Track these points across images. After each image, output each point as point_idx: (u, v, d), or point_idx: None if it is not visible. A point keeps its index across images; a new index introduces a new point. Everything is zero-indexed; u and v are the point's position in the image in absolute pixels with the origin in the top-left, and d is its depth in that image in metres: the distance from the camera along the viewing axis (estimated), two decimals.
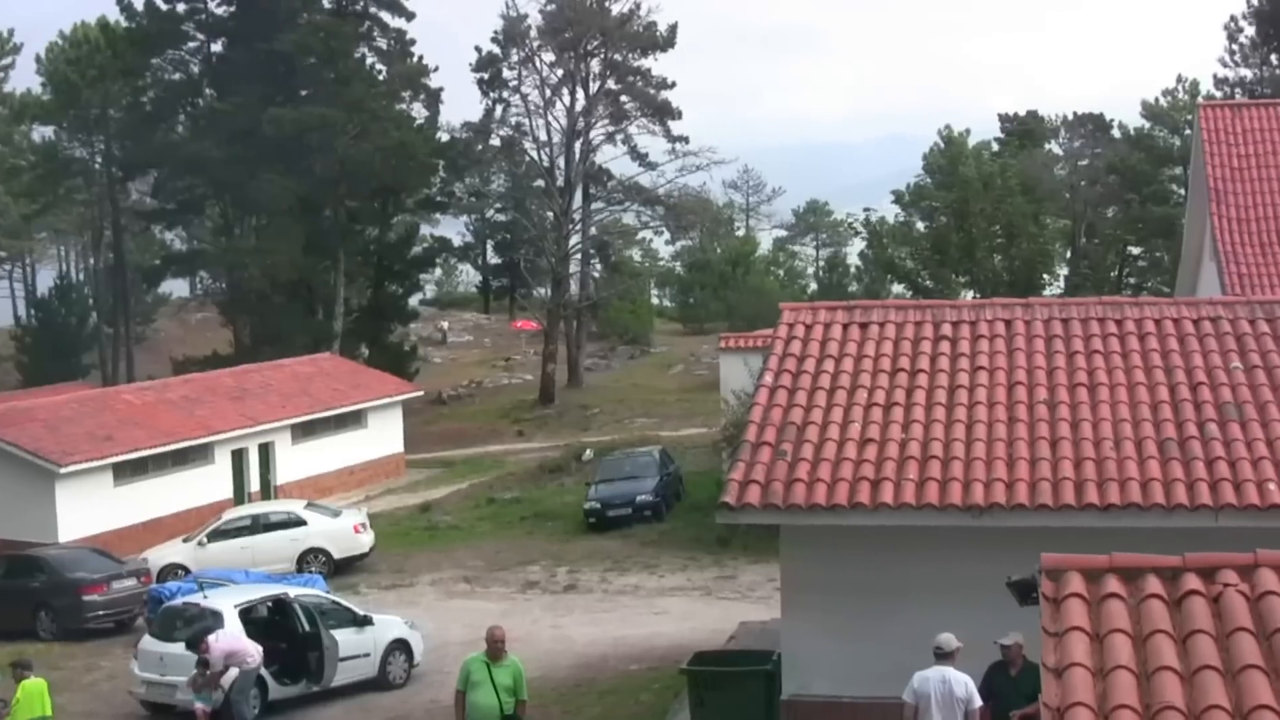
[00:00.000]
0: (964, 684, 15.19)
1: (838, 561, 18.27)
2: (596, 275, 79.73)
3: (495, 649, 17.70)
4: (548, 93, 71.28)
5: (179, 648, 23.90)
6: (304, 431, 49.43)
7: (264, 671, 23.84)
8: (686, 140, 72.55)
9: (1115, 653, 8.86)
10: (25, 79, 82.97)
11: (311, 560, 36.33)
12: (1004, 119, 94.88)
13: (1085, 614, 9.33)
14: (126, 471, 42.07)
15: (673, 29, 71.69)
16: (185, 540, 37.02)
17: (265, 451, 47.46)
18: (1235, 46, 75.01)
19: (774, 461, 17.95)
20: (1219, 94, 73.31)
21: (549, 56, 71.37)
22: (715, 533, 35.58)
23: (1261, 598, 9.30)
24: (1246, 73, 75.29)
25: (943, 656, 15.31)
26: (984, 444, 17.88)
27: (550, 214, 72.24)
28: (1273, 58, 70.93)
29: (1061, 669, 8.79)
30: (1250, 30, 71.40)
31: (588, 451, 51.64)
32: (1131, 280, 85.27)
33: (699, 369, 73.72)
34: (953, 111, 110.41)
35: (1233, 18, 74.17)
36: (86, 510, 39.68)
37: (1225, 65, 76.16)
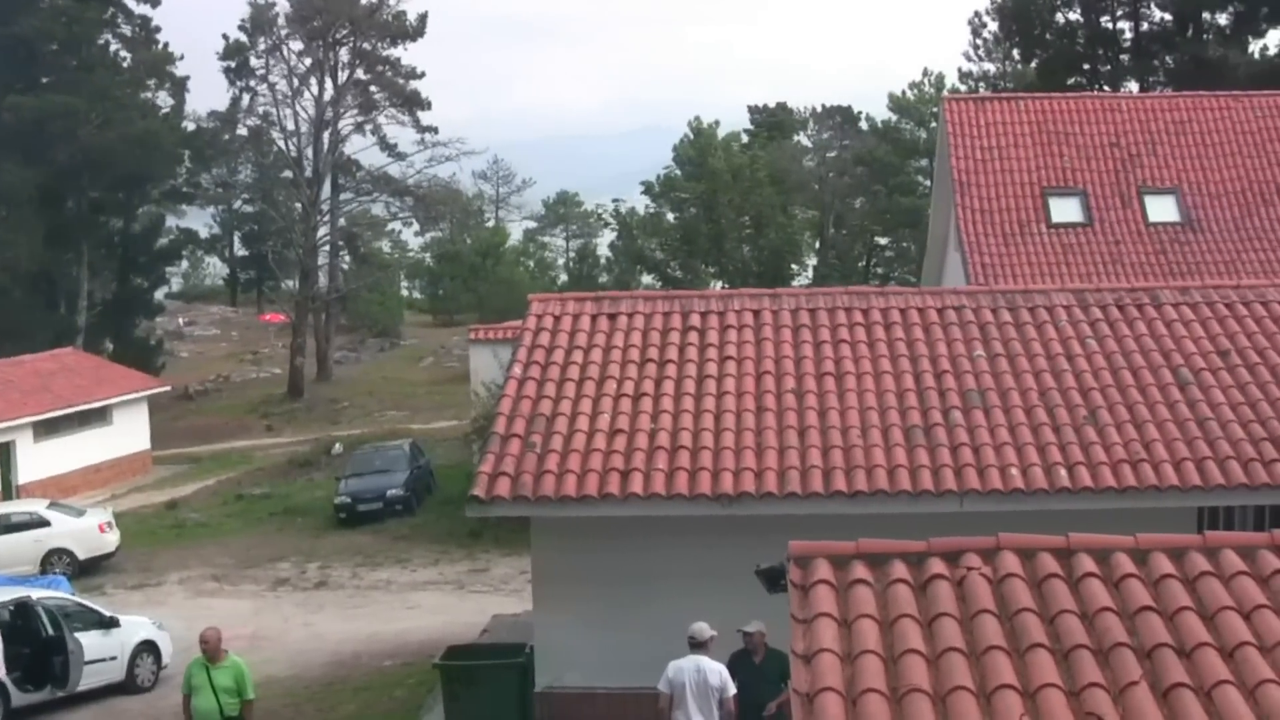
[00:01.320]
0: (718, 673, 15.23)
1: (589, 553, 18.19)
2: (345, 267, 78.67)
3: (210, 651, 17.38)
4: (295, 82, 70.30)
5: None
6: (46, 429, 47.72)
7: (5, 678, 22.96)
8: (436, 131, 72.34)
9: (862, 637, 8.90)
10: None
11: (55, 561, 35.11)
12: (754, 111, 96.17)
13: (833, 600, 9.35)
14: None
15: (422, 18, 71.32)
16: None
17: (5, 451, 45.77)
18: (979, 41, 77.21)
19: (523, 453, 17.80)
20: (963, 88, 75.31)
21: (297, 45, 70.44)
22: (467, 526, 35.39)
23: (1003, 580, 9.45)
24: (990, 67, 77.53)
25: (697, 646, 15.34)
26: (733, 433, 17.95)
27: (298, 205, 71.09)
28: (1015, 53, 73.03)
29: (810, 655, 8.79)
30: (994, 25, 73.48)
31: (337, 445, 51.01)
32: (879, 270, 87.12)
33: (449, 361, 73.24)
34: (707, 103, 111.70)
35: (977, 13, 76.38)
36: None
37: (970, 60, 78.39)
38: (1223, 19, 64.07)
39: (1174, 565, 9.57)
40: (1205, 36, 62.91)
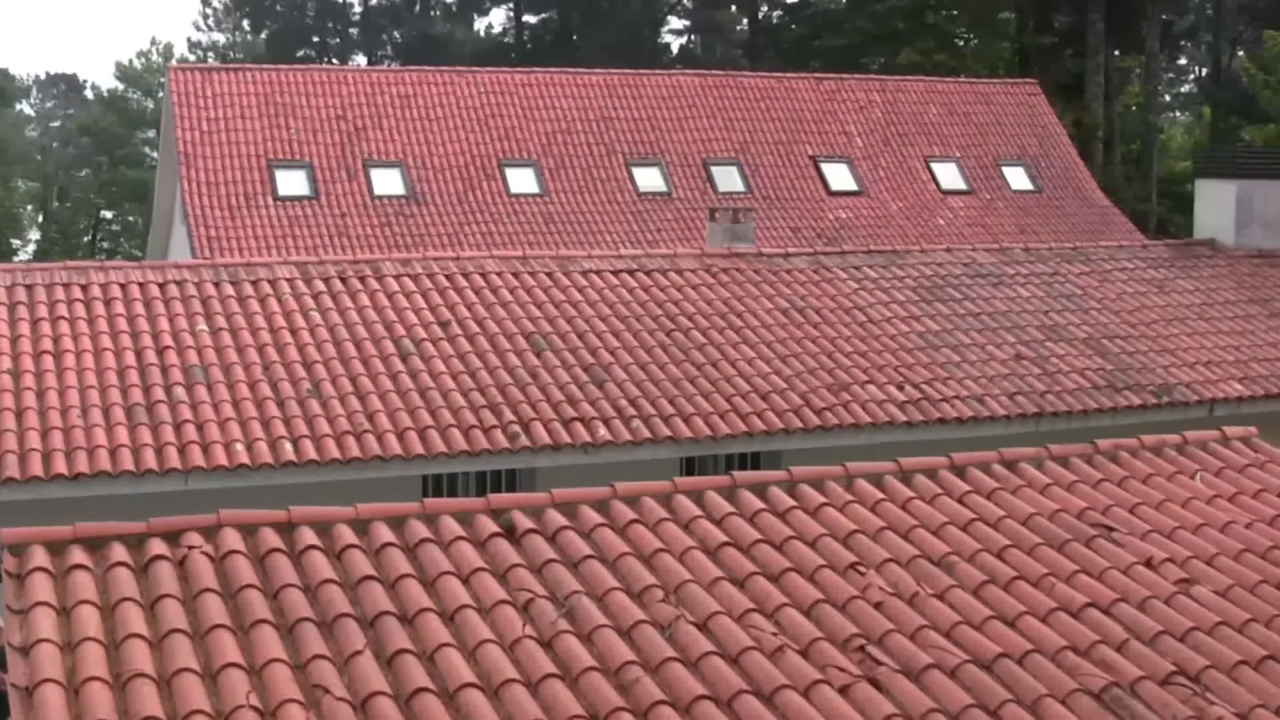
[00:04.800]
0: None
1: None
2: None
3: None
4: None
5: None
6: None
7: None
8: None
9: (82, 625, 8.53)
10: None
11: None
12: None
13: (50, 588, 8.91)
14: None
15: None
16: None
17: None
18: (210, 11, 76.25)
19: None
20: (193, 57, 74.16)
21: None
22: None
23: (225, 557, 9.32)
24: (220, 37, 76.84)
25: None
26: None
27: None
28: (245, 23, 72.66)
29: (27, 647, 8.33)
30: None
31: None
32: (105, 245, 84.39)
33: None
34: None
35: None
36: None
37: (200, 29, 77.31)
38: None
39: (394, 534, 9.76)
40: (433, 13, 64.92)
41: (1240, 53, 70.95)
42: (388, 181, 36.63)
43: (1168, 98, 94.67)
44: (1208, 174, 29.07)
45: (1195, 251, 26.72)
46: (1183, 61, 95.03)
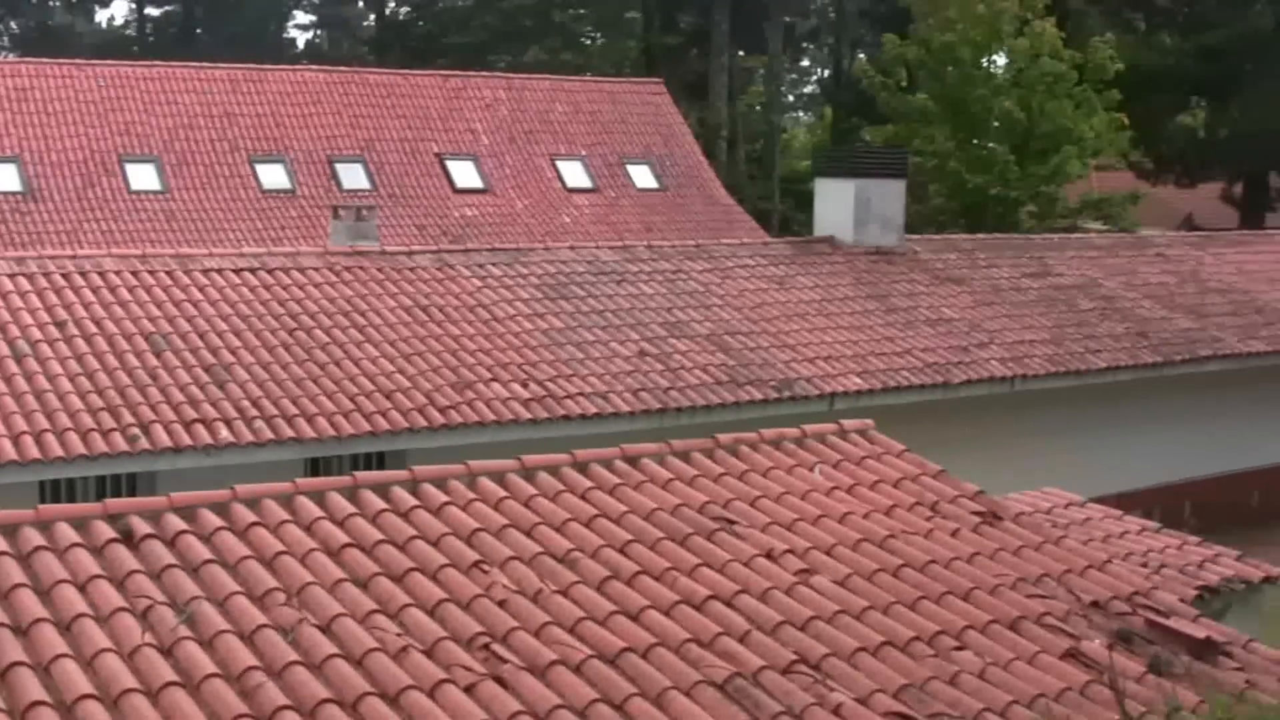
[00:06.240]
0: None
1: None
2: None
3: None
4: None
5: None
6: None
7: None
8: None
9: None
10: None
11: None
12: None
13: None
14: None
15: None
16: None
17: None
18: None
19: None
20: None
21: None
22: None
23: None
24: None
25: None
26: None
27: None
28: None
29: None
30: None
31: None
32: None
33: None
34: None
35: None
36: None
37: None
38: None
39: (7, 542, 9.46)
40: (52, 4, 62.55)
41: (861, 55, 73.77)
42: (3, 177, 35.27)
43: (791, 98, 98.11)
44: (827, 173, 29.98)
45: (815, 249, 27.76)
46: (805, 63, 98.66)
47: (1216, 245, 34.61)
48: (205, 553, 9.71)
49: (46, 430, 16.97)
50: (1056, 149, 41.79)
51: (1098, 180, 51.60)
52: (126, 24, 75.78)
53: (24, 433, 16.84)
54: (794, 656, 9.44)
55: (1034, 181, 42.20)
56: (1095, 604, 10.99)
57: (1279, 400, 29.97)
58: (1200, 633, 10.60)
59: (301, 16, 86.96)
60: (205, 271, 21.39)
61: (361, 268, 22.57)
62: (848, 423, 13.82)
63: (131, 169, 37.08)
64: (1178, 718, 9.14)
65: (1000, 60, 44.32)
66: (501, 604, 9.61)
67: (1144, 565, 13.74)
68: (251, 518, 10.24)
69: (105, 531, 9.78)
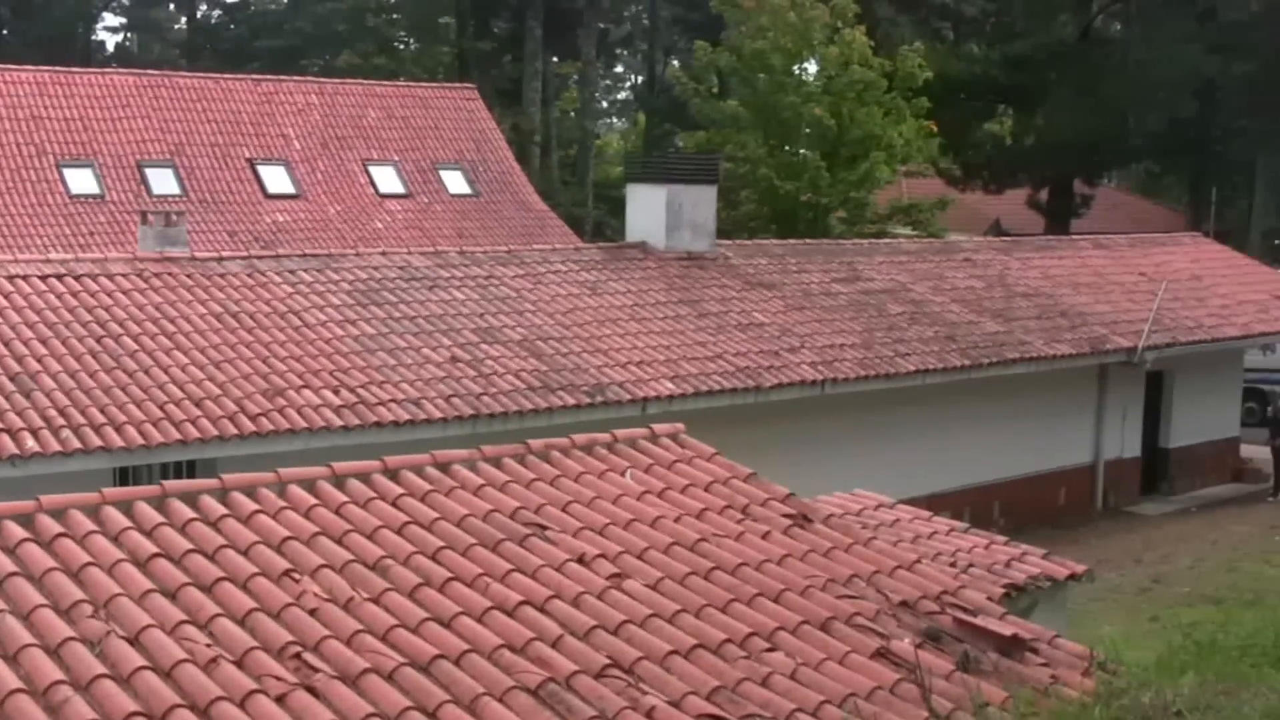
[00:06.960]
0: None
1: None
2: None
3: None
4: None
5: None
6: None
7: None
8: None
9: None
10: None
11: None
12: None
13: None
14: None
15: None
16: None
17: None
18: None
19: None
20: None
21: None
22: None
23: None
24: None
25: None
26: None
27: None
28: None
29: None
30: None
31: None
32: None
33: None
34: None
35: None
36: None
37: None
38: None
39: None
40: None
41: (674, 62, 74.30)
42: None
43: (605, 104, 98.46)
44: (639, 179, 30.17)
45: (627, 254, 27.90)
46: (619, 69, 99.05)
47: (1023, 250, 35.50)
48: (9, 565, 9.52)
49: None
50: (866, 155, 42.53)
51: (907, 186, 52.56)
52: None
53: None
54: (607, 661, 9.47)
55: (844, 187, 42.89)
56: (904, 604, 11.20)
57: (1085, 402, 30.87)
58: (1007, 630, 10.85)
59: (111, 19, 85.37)
60: (10, 278, 20.91)
61: (171, 274, 22.24)
62: (659, 427, 13.86)
63: None
64: (984, 714, 9.36)
65: (811, 68, 44.96)
66: (313, 612, 9.55)
67: (952, 565, 13.98)
68: (57, 529, 10.06)
69: None
